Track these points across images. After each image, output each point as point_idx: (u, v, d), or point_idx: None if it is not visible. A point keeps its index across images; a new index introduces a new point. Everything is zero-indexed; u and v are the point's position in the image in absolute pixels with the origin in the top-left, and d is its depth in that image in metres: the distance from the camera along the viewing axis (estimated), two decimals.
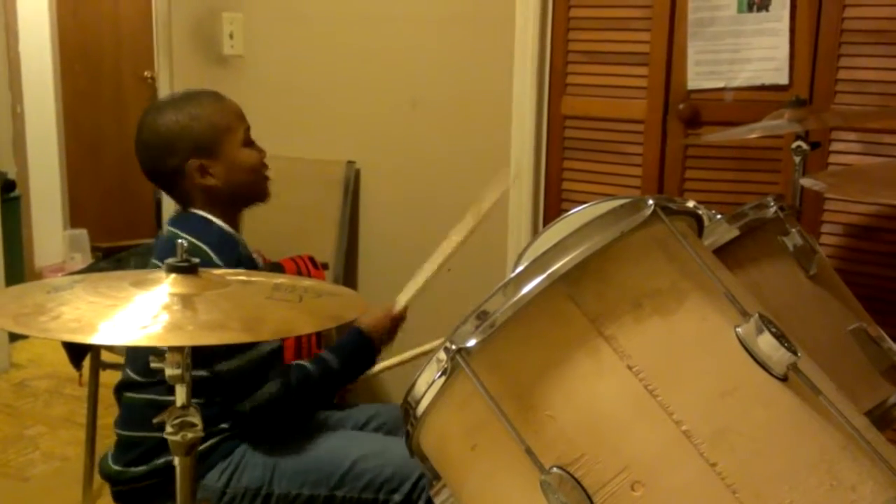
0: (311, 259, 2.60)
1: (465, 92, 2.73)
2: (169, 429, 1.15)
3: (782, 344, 1.01)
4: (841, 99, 2.24)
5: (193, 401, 1.17)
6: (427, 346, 2.01)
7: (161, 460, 1.67)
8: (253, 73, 3.00)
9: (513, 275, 1.02)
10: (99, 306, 1.12)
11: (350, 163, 2.90)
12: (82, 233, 4.92)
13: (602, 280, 1.04)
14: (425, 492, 1.65)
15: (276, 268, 2.37)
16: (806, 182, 1.76)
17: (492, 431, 1.02)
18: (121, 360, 2.04)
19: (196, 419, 1.15)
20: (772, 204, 1.55)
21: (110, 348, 2.45)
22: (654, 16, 2.41)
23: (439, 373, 1.04)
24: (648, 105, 2.45)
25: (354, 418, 1.93)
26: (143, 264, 2.45)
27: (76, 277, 1.27)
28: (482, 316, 1.02)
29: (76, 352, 2.57)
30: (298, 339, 2.32)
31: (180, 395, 1.16)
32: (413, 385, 1.09)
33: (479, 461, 1.05)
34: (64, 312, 1.10)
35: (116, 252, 2.82)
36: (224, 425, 1.69)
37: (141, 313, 1.10)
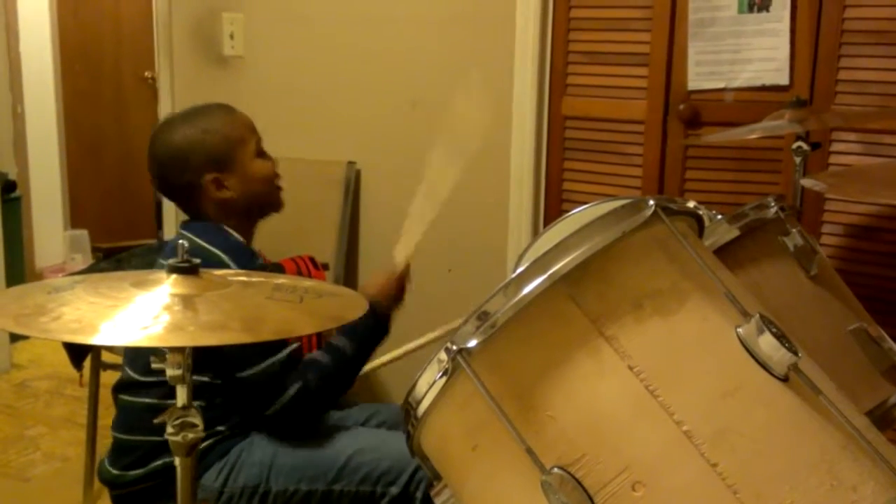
0: (312, 259, 2.59)
1: None
2: (170, 429, 1.15)
3: (783, 344, 1.01)
4: (841, 99, 2.24)
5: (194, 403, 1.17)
6: (431, 336, 2.02)
7: (159, 462, 1.67)
8: (253, 74, 3.00)
9: (513, 275, 1.02)
10: (100, 307, 1.12)
11: (350, 163, 2.90)
12: (83, 233, 4.92)
13: (603, 280, 1.04)
14: (422, 484, 1.65)
15: (277, 268, 2.37)
16: (806, 182, 1.76)
17: (493, 432, 1.02)
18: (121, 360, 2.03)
19: (197, 420, 1.15)
20: (772, 204, 1.55)
21: (111, 349, 2.45)
22: (655, 16, 2.41)
23: (440, 373, 1.04)
24: (649, 105, 2.45)
25: (354, 417, 1.93)
26: (144, 265, 2.45)
27: (77, 278, 1.27)
28: (483, 316, 1.02)
29: (77, 352, 2.57)
30: (298, 339, 2.32)
31: (181, 395, 1.16)
32: (414, 386, 1.09)
33: (480, 461, 1.06)
34: (65, 313, 1.10)
35: (117, 252, 2.82)
36: (220, 427, 1.69)
37: (142, 314, 1.10)
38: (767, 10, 2.28)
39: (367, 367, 1.88)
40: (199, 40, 3.03)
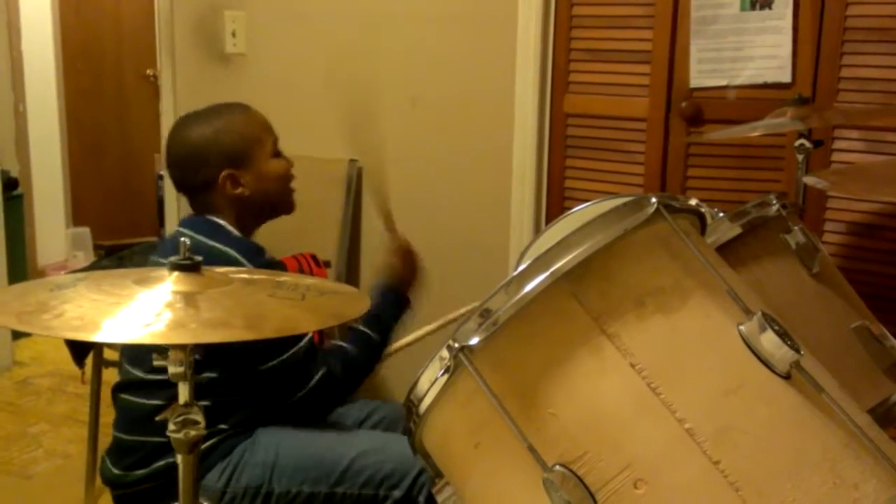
0: (314, 257, 2.59)
1: (468, 90, 2.72)
2: (172, 426, 1.15)
3: (785, 342, 1.01)
4: (843, 97, 2.24)
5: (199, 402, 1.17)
6: (435, 325, 2.02)
7: (161, 462, 1.67)
8: (255, 71, 3.00)
9: (515, 273, 1.02)
10: (102, 304, 1.12)
11: (352, 161, 2.90)
12: (85, 231, 4.93)
13: (605, 278, 1.04)
14: (426, 487, 1.65)
15: (278, 266, 2.37)
16: (808, 180, 1.76)
17: (495, 429, 1.02)
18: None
19: (199, 417, 1.15)
20: (774, 202, 1.55)
21: (113, 346, 2.45)
22: (657, 14, 2.41)
23: (442, 371, 1.04)
24: (651, 103, 2.45)
25: (354, 414, 1.93)
26: (146, 262, 2.45)
27: (79, 275, 1.27)
28: (485, 314, 1.02)
29: (79, 350, 2.57)
30: None
31: (183, 392, 1.16)
32: (416, 383, 1.09)
33: (482, 459, 1.06)
34: (67, 310, 1.10)
35: (119, 250, 2.82)
36: (223, 425, 1.69)
37: (144, 311, 1.10)
38: (770, 8, 2.28)
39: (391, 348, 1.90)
40: (200, 38, 3.03)
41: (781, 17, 2.27)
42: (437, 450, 1.14)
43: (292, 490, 1.67)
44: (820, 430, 1.01)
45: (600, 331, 1.01)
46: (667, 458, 0.97)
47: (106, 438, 1.85)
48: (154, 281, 1.17)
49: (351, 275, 2.93)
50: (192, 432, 1.15)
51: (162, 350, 1.14)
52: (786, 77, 2.29)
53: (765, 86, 2.32)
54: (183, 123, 1.82)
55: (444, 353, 1.04)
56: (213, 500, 1.67)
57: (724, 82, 2.36)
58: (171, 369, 1.13)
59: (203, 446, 1.62)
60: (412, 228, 1.92)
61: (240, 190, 1.77)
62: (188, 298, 1.14)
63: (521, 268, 1.02)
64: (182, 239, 1.21)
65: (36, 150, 4.54)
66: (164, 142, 1.94)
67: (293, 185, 1.87)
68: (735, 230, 1.49)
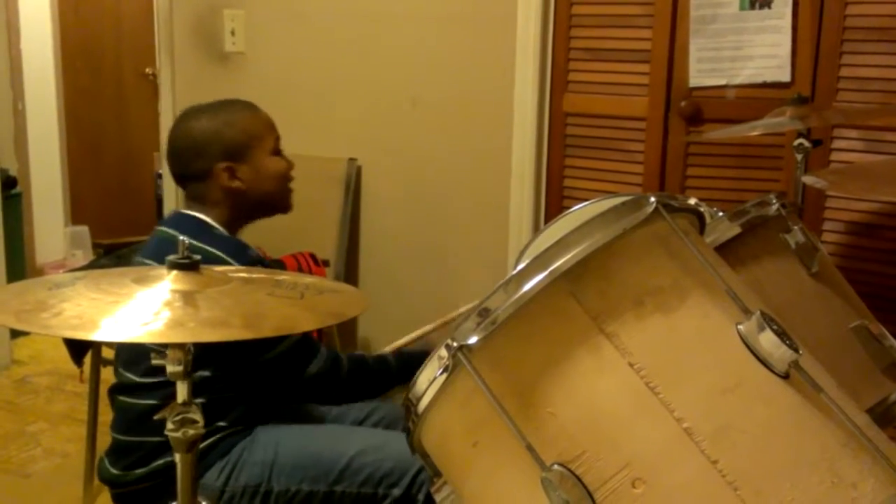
0: (313, 256, 2.60)
1: (467, 89, 2.73)
2: (170, 425, 1.15)
3: (784, 341, 1.01)
4: (843, 96, 2.24)
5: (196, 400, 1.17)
6: (434, 324, 2.02)
7: (160, 462, 1.67)
8: (254, 70, 3.00)
9: (514, 272, 1.02)
10: (100, 303, 1.12)
11: (351, 160, 2.90)
12: (83, 229, 4.92)
13: (604, 277, 1.04)
14: (425, 486, 1.65)
15: (277, 264, 2.37)
16: (808, 179, 1.76)
17: (493, 428, 1.02)
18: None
19: (197, 416, 1.15)
20: (773, 201, 1.55)
21: (111, 345, 2.45)
22: (656, 13, 2.41)
23: (441, 370, 1.04)
24: (650, 102, 2.45)
25: (353, 414, 1.93)
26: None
27: (77, 274, 1.27)
28: (484, 313, 1.02)
29: (77, 348, 2.57)
30: None
31: (181, 391, 1.15)
32: (414, 382, 1.09)
33: (481, 458, 1.05)
34: (65, 309, 1.10)
35: (118, 249, 2.82)
36: (222, 423, 1.69)
37: (142, 310, 1.10)
38: (769, 7, 2.28)
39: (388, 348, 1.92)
40: (200, 37, 3.03)
41: (781, 16, 2.27)
42: (436, 449, 1.14)
43: (291, 488, 1.67)
44: (818, 430, 1.01)
45: (599, 330, 1.01)
46: (665, 458, 0.97)
47: (105, 437, 1.85)
48: (153, 280, 1.17)
49: (349, 274, 2.93)
50: (191, 431, 1.15)
51: (159, 350, 1.14)
52: (785, 76, 2.29)
53: (764, 85, 2.32)
54: (188, 114, 1.83)
55: (443, 352, 1.03)
56: (211, 499, 1.67)
57: (723, 82, 2.37)
58: (170, 368, 1.13)
59: (202, 445, 1.63)
60: (412, 228, 1.92)
61: (236, 183, 1.77)
62: (187, 297, 1.14)
63: (519, 267, 1.02)
64: (181, 238, 1.21)
65: (35, 148, 4.54)
66: (163, 140, 1.95)
67: (292, 185, 1.87)
68: (734, 229, 1.48)
